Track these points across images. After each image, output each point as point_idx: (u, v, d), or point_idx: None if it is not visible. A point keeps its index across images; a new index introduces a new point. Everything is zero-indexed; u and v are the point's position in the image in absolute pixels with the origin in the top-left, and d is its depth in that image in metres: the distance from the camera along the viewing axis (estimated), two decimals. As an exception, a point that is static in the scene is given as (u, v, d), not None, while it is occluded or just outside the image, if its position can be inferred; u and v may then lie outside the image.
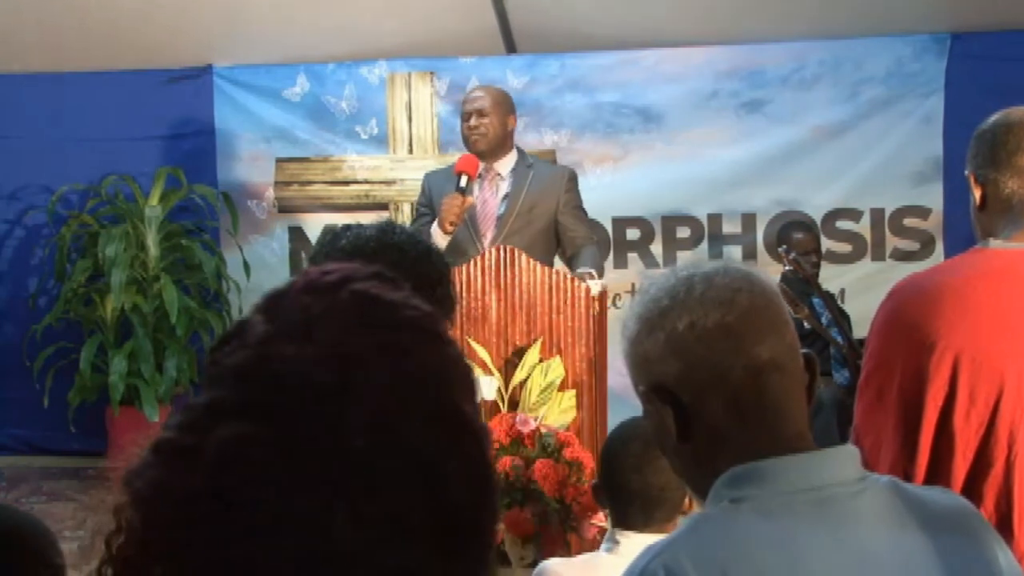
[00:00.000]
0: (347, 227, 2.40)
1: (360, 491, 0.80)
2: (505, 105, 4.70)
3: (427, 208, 4.70)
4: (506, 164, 4.65)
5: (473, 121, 4.59)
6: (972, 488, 1.93)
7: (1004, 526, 1.92)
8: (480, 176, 4.61)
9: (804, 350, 1.40)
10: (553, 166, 4.91)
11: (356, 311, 0.86)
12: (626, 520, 2.45)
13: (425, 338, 0.88)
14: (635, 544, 2.31)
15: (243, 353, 0.84)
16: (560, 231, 4.62)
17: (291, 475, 0.79)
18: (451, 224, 4.39)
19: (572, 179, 4.71)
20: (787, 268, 5.56)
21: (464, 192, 4.42)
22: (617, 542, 2.43)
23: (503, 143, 4.64)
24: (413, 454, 0.82)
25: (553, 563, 2.55)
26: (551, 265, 4.27)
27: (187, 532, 0.80)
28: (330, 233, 2.48)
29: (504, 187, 4.63)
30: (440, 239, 4.39)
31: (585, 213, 4.71)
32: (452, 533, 0.84)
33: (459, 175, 4.45)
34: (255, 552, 0.79)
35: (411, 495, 0.81)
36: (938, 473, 1.94)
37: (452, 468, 0.84)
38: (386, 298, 0.88)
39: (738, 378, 1.33)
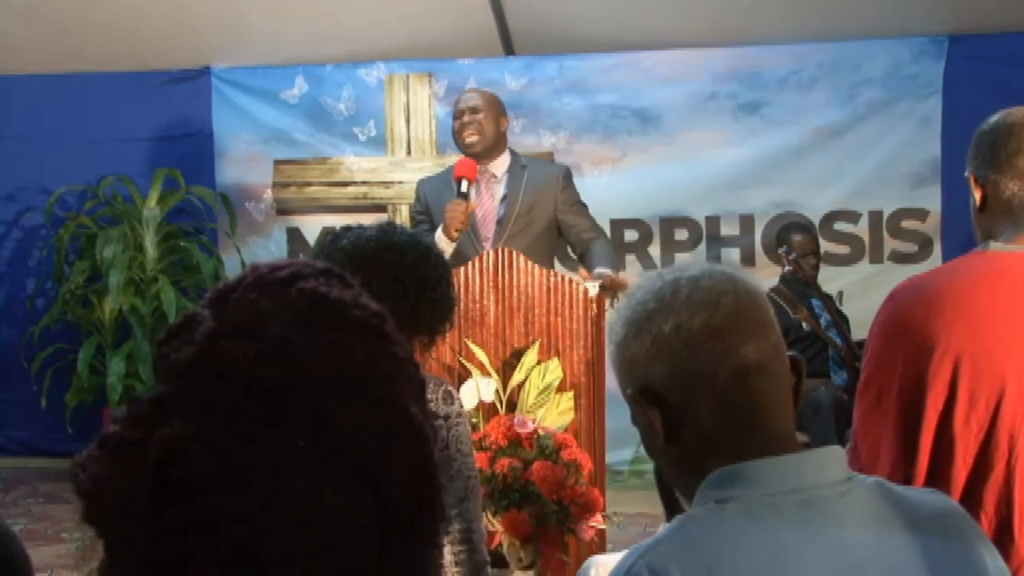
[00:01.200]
0: (347, 228, 2.40)
1: (302, 491, 0.80)
2: (497, 107, 4.67)
3: (424, 215, 4.65)
4: (500, 165, 4.62)
5: (467, 118, 4.55)
6: (972, 492, 1.93)
7: (1004, 530, 1.92)
8: (476, 179, 4.59)
9: (790, 352, 1.41)
10: (547, 164, 4.88)
11: (302, 309, 0.86)
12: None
13: (370, 337, 0.87)
14: None
15: (189, 349, 0.84)
16: (564, 229, 4.60)
17: (232, 474, 0.79)
18: (457, 231, 4.35)
19: (567, 176, 4.68)
20: (787, 269, 5.57)
21: (466, 197, 4.39)
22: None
23: (496, 143, 4.60)
24: (356, 454, 0.82)
25: (600, 557, 2.63)
26: (552, 266, 4.25)
27: (126, 526, 0.80)
28: (330, 234, 2.48)
29: (500, 189, 4.60)
30: (445, 246, 4.34)
31: (585, 207, 4.68)
32: (394, 533, 0.84)
33: (459, 180, 4.40)
34: (193, 549, 0.78)
35: (353, 495, 0.82)
36: (938, 477, 1.94)
37: (395, 468, 0.84)
38: (333, 297, 0.88)
39: (724, 379, 1.34)
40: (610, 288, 4.18)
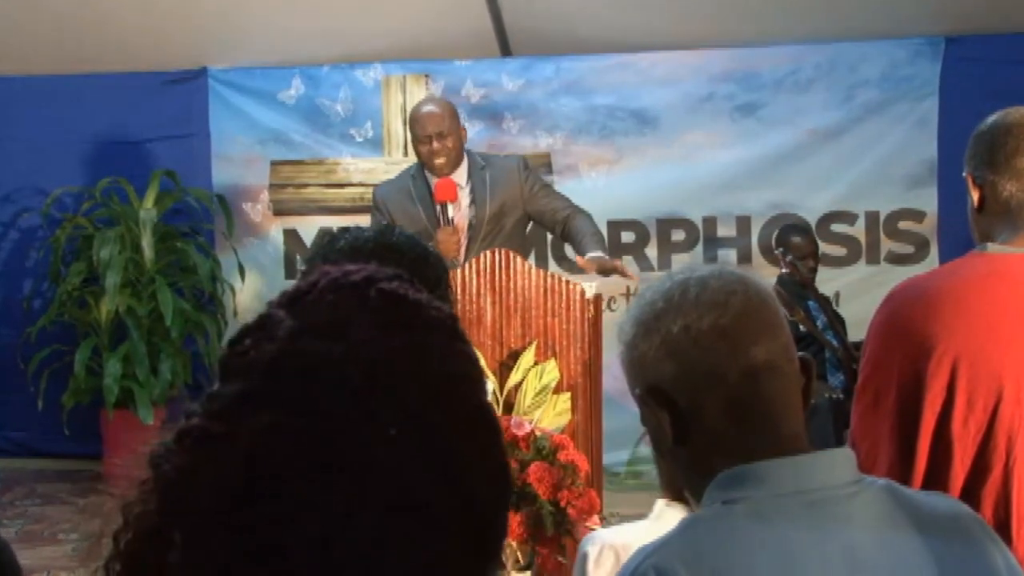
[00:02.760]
0: (345, 229, 2.41)
1: (390, 485, 0.81)
2: (457, 119, 4.57)
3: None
4: (462, 173, 4.53)
5: (436, 145, 4.43)
6: (970, 494, 1.92)
7: (1002, 532, 1.91)
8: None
9: (801, 353, 1.41)
10: (503, 159, 4.76)
11: (384, 310, 0.88)
12: (677, 493, 2.56)
13: (448, 338, 0.90)
14: (676, 516, 2.43)
15: (272, 346, 0.85)
16: (537, 217, 4.53)
17: (323, 467, 0.81)
18: (451, 259, 4.24)
19: (526, 166, 4.61)
20: (784, 271, 5.57)
21: (452, 222, 4.36)
22: (663, 511, 2.55)
23: (460, 155, 4.53)
24: (440, 450, 0.84)
25: (602, 531, 2.73)
26: (527, 260, 4.22)
27: (213, 518, 0.81)
28: (327, 235, 2.48)
29: (466, 196, 4.53)
30: None
31: (550, 187, 4.60)
32: (476, 527, 0.86)
33: (443, 205, 4.37)
34: (283, 540, 0.80)
35: (439, 490, 0.83)
36: (936, 478, 1.93)
37: (476, 463, 0.86)
38: (412, 298, 0.90)
39: (733, 380, 1.34)
40: (609, 271, 4.17)
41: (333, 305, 0.88)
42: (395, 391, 0.83)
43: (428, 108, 4.56)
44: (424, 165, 4.53)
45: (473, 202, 4.53)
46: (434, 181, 4.48)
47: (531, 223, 4.68)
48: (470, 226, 4.52)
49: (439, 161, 4.46)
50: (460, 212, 4.51)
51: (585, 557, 2.65)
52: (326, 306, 0.88)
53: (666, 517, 2.55)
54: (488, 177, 4.52)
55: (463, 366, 0.90)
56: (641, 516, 2.70)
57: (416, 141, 4.54)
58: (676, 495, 2.64)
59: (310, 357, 0.84)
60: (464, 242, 4.48)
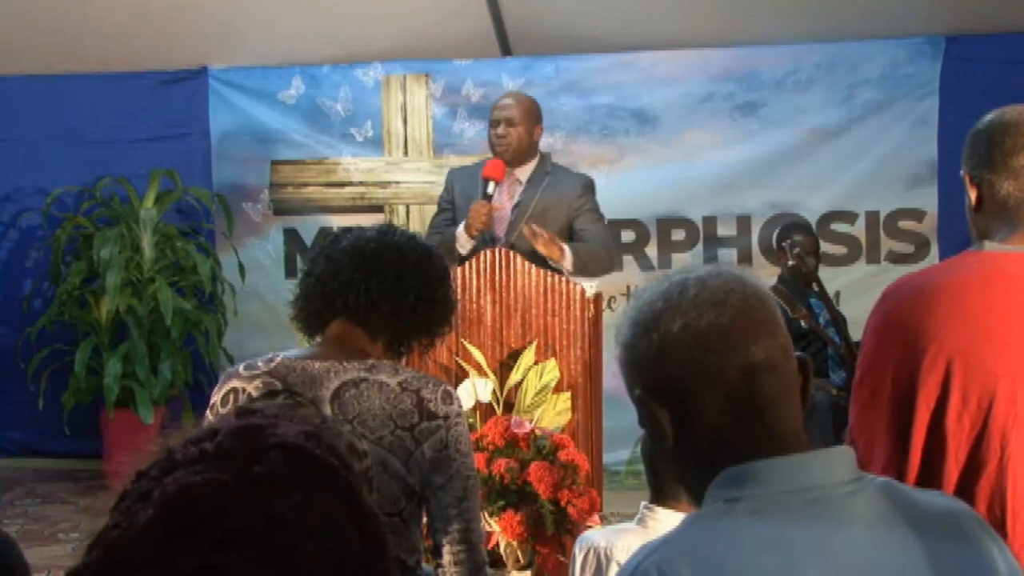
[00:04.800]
0: (347, 230, 2.42)
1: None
2: (534, 115, 4.71)
3: (449, 204, 4.74)
4: (526, 171, 4.66)
5: (501, 130, 4.61)
6: (965, 490, 1.92)
7: (998, 529, 1.91)
8: (502, 181, 4.60)
9: (798, 353, 1.41)
10: (572, 174, 4.86)
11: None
12: (660, 496, 2.62)
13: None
14: (661, 520, 2.46)
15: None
16: (574, 235, 4.60)
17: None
18: (477, 231, 4.42)
19: (587, 186, 4.69)
20: (789, 263, 5.56)
21: (491, 199, 4.45)
22: (646, 516, 2.61)
23: (527, 152, 4.66)
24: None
25: (591, 532, 2.79)
26: (561, 271, 4.23)
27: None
28: (330, 236, 2.48)
29: (518, 188, 4.64)
30: (465, 242, 4.45)
31: (601, 218, 4.65)
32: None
33: (486, 180, 4.47)
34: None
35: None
36: (930, 474, 1.94)
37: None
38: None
39: (732, 378, 1.34)
40: (530, 237, 4.19)
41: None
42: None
43: (506, 99, 4.77)
44: (494, 154, 4.64)
45: (520, 200, 4.60)
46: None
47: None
48: (511, 221, 4.59)
49: (501, 147, 4.59)
50: (505, 196, 4.60)
51: (574, 560, 2.70)
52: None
53: (648, 521, 2.58)
54: (546, 182, 4.62)
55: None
56: (640, 516, 2.75)
57: (490, 129, 4.70)
58: (658, 498, 2.67)
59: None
60: (495, 222, 4.54)
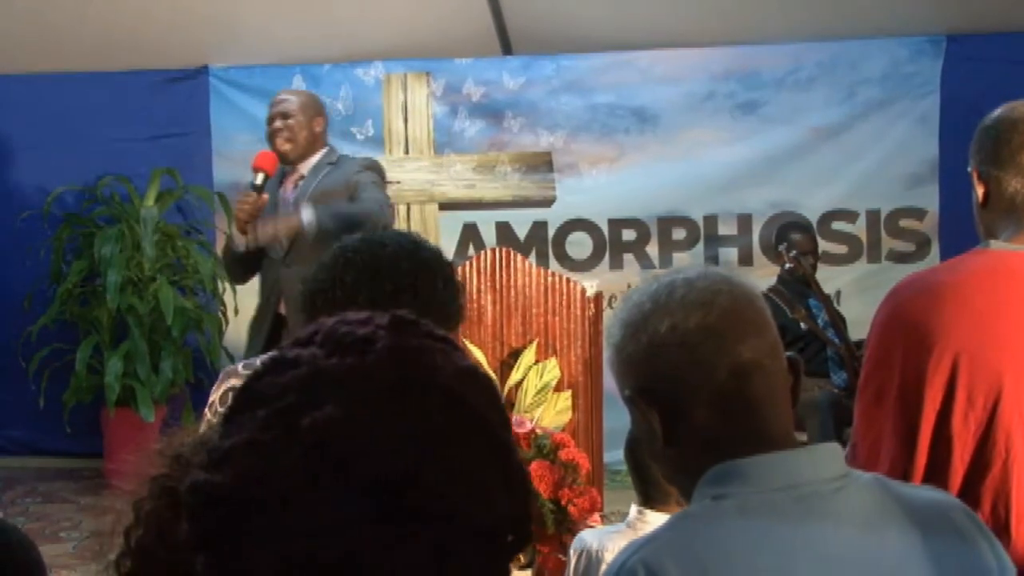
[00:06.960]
0: (342, 245, 2.40)
1: (451, 454, 0.86)
2: (312, 108, 4.62)
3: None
4: (309, 163, 4.56)
5: (278, 123, 4.51)
6: (970, 490, 1.92)
7: (1002, 528, 1.91)
8: (284, 177, 4.55)
9: (788, 353, 1.41)
10: (356, 159, 4.75)
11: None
12: (648, 497, 2.64)
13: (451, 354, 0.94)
14: (651, 523, 2.48)
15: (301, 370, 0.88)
16: None
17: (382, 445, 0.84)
18: (244, 223, 4.30)
19: (369, 165, 4.60)
20: (787, 265, 5.57)
21: (259, 190, 4.34)
22: (636, 520, 2.62)
23: (311, 145, 4.56)
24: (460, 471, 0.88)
25: (586, 532, 2.82)
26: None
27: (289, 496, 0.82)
28: (339, 256, 2.45)
29: (301, 183, 4.55)
30: (239, 239, 4.35)
31: (382, 187, 4.50)
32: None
33: (255, 171, 4.38)
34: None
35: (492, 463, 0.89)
36: (936, 474, 1.93)
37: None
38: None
39: (721, 378, 1.34)
40: (266, 238, 4.22)
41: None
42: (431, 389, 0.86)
43: (281, 95, 4.68)
44: (272, 150, 4.53)
45: (303, 184, 4.51)
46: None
47: None
48: (281, 204, 4.50)
49: (281, 145, 4.49)
50: (289, 188, 4.52)
51: (569, 560, 2.72)
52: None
53: (637, 524, 2.60)
54: (329, 170, 4.51)
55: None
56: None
57: (267, 126, 4.59)
58: (646, 501, 2.68)
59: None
60: (260, 214, 4.36)
